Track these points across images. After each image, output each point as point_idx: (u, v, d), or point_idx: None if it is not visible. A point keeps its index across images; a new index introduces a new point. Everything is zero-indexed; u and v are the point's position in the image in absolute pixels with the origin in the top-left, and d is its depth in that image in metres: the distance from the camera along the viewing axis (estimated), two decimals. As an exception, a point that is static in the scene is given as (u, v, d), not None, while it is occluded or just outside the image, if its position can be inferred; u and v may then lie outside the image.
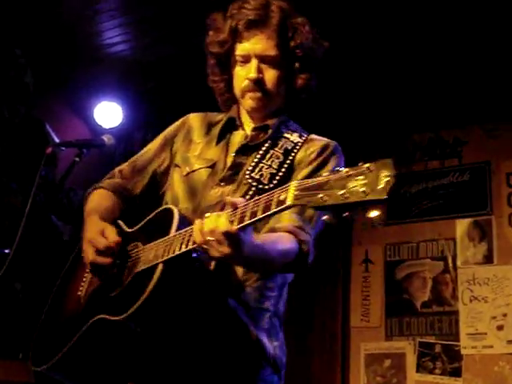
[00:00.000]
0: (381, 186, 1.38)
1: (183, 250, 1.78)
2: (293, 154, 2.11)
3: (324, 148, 2.14)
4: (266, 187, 1.98)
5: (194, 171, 2.16)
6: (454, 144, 5.29)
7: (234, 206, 1.67)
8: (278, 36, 2.12)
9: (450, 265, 5.04)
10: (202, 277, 1.89)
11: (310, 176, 1.97)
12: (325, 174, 1.50)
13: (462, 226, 5.07)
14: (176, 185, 2.19)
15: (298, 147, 2.13)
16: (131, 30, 4.77)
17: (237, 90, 2.19)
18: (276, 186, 1.83)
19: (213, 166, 2.14)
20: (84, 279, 2.16)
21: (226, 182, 2.08)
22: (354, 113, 5.23)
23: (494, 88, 4.83)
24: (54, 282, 2.31)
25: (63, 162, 2.52)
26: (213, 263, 1.90)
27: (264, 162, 2.07)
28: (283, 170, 2.05)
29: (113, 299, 1.94)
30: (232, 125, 2.23)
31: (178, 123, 2.37)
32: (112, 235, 1.98)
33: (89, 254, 1.99)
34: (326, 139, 2.19)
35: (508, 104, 4.91)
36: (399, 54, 4.63)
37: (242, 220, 1.64)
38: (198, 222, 1.70)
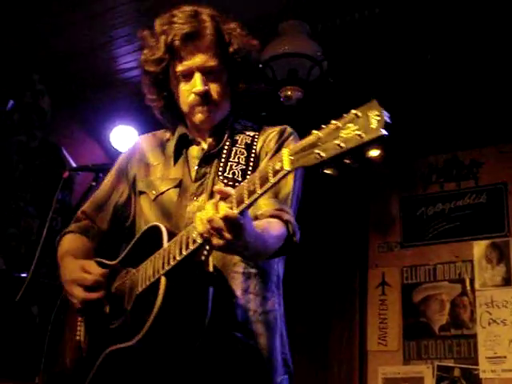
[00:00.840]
0: (374, 125, 1.36)
1: (184, 253, 1.74)
2: (254, 146, 2.10)
3: (282, 131, 2.14)
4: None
5: (162, 193, 2.13)
6: (471, 165, 5.27)
7: (226, 195, 1.63)
8: (215, 45, 2.08)
9: (468, 287, 4.99)
10: (206, 280, 1.84)
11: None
12: (314, 133, 1.47)
13: (479, 247, 5.03)
14: (147, 211, 2.15)
15: (256, 138, 2.12)
16: (147, 55, 4.80)
17: (184, 107, 2.14)
18: None
19: (179, 185, 2.12)
20: (78, 324, 2.12)
21: (197, 195, 2.06)
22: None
23: (509, 109, 4.81)
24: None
25: (80, 186, 2.54)
26: (211, 265, 1.86)
27: (231, 160, 2.05)
28: (251, 163, 2.04)
29: (118, 329, 1.90)
30: (185, 141, 2.20)
31: (128, 152, 2.33)
32: (94, 268, 1.96)
33: (78, 294, 1.97)
34: (279, 126, 2.20)
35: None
36: (414, 76, 4.64)
37: (240, 202, 1.60)
38: (198, 213, 1.67)
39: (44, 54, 4.74)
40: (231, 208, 1.60)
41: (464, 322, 4.95)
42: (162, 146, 2.26)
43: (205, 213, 1.63)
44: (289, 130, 2.16)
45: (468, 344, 4.87)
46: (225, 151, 2.08)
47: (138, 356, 1.84)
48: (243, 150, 2.08)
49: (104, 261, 2.14)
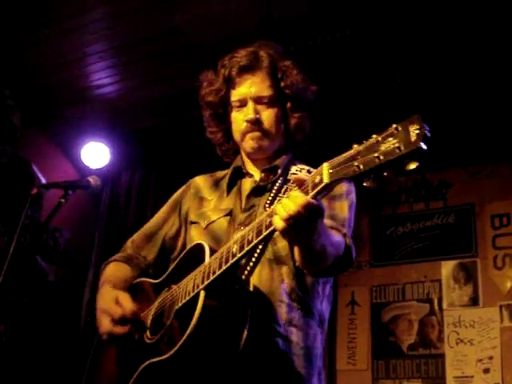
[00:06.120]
0: (413, 138, 1.41)
1: (224, 267, 1.77)
2: None
3: None
4: None
5: (213, 222, 2.19)
6: (439, 186, 5.33)
7: (301, 181, 1.65)
8: (270, 77, 2.21)
9: (436, 307, 5.04)
10: (245, 300, 1.85)
11: (328, 205, 1.99)
12: (354, 147, 1.51)
13: (447, 268, 5.08)
14: (196, 238, 2.19)
15: None
16: (119, 72, 4.81)
17: (236, 135, 2.24)
18: None
19: (230, 214, 2.17)
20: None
21: (244, 225, 2.08)
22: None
23: (478, 132, 4.89)
24: (43, 327, 2.28)
25: (49, 203, 2.52)
26: (251, 284, 1.90)
27: (280, 195, 2.09)
28: None
29: (156, 343, 1.92)
30: (239, 173, 2.28)
31: (183, 188, 2.42)
32: (126, 303, 1.99)
33: (105, 324, 2.01)
34: None
35: (491, 147, 4.97)
36: (385, 98, 4.69)
37: (314, 188, 1.60)
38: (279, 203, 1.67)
39: (15, 69, 4.72)
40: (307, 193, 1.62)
41: (432, 341, 4.98)
42: (217, 182, 2.34)
43: (284, 205, 1.62)
44: None
45: (436, 364, 4.90)
46: (275, 187, 2.14)
47: (171, 370, 1.84)
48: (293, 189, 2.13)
49: (148, 279, 2.21)
